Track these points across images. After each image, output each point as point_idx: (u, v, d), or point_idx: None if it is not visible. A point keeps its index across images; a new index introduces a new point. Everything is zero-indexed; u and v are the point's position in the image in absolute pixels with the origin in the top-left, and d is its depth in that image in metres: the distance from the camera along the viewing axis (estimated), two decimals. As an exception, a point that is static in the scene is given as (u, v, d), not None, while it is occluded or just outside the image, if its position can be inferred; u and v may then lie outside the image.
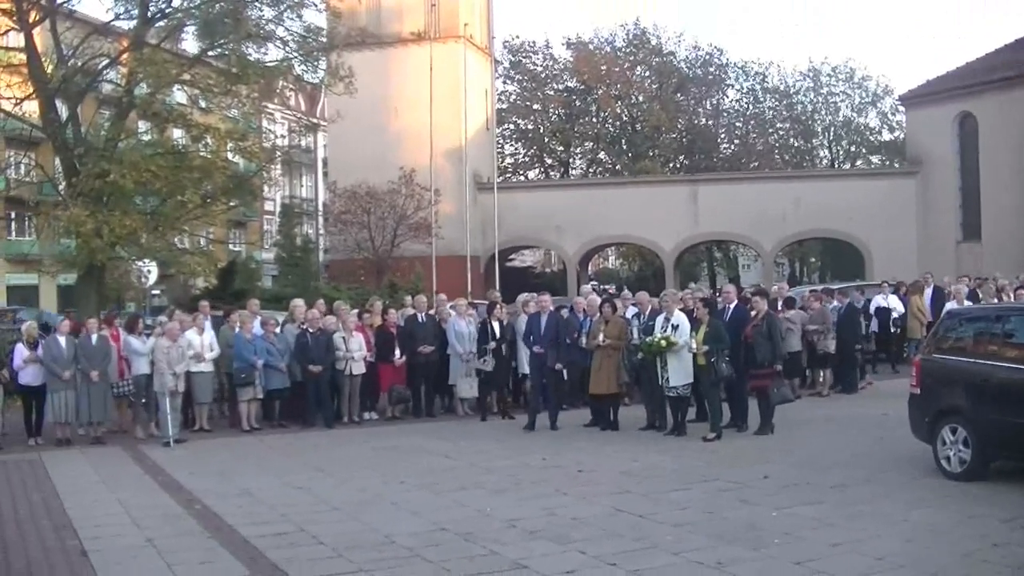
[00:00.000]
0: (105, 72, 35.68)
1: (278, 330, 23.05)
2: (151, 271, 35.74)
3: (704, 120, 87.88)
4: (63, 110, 34.36)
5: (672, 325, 19.03)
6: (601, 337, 20.83)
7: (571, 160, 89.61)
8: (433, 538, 11.93)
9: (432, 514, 13.17)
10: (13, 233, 59.59)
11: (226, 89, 34.22)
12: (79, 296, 35.39)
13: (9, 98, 35.81)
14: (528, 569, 10.48)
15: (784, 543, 11.16)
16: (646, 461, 16.69)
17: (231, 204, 42.28)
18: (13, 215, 55.51)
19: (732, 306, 20.62)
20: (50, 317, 41.24)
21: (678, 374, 18.93)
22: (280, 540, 12.08)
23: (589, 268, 75.57)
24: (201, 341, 21.89)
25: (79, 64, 34.09)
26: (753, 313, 19.68)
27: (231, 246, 63.45)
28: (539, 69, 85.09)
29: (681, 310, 19.72)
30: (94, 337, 21.34)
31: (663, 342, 18.75)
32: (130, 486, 15.95)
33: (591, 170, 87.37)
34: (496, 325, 22.77)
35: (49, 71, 33.29)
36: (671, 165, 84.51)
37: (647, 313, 20.78)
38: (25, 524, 13.57)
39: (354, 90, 36.84)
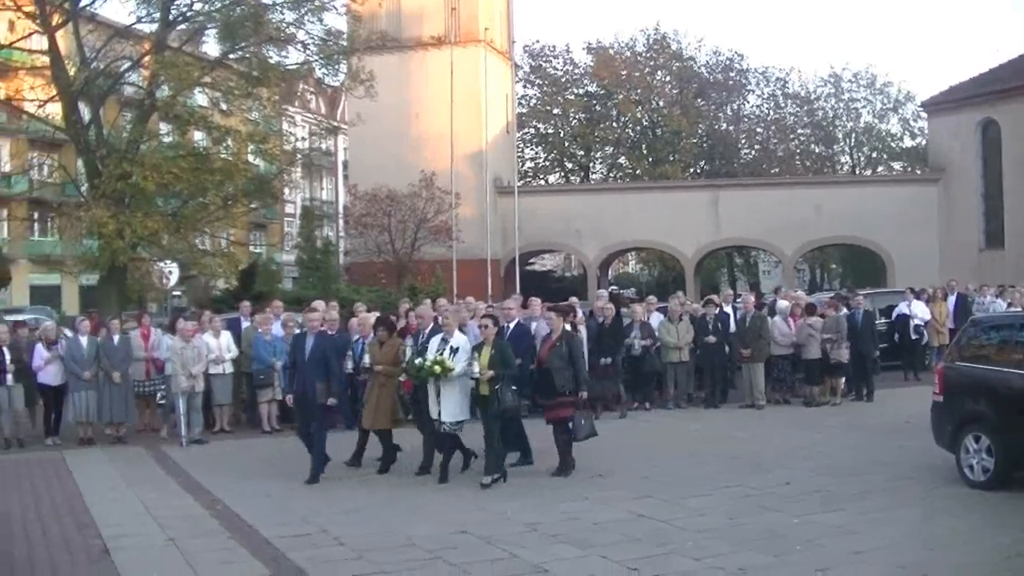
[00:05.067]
0: (127, 74, 35.82)
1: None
2: (172, 272, 35.80)
3: (725, 125, 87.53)
4: (86, 112, 34.51)
5: (451, 348, 15.86)
6: (366, 360, 17.68)
7: (591, 164, 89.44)
8: (453, 540, 11.95)
9: (452, 516, 13.20)
10: (36, 234, 59.95)
11: (247, 92, 34.31)
12: (101, 296, 35.51)
13: (33, 100, 36.06)
14: (549, 573, 10.50)
15: (806, 550, 11.14)
16: (666, 466, 16.66)
17: (252, 206, 42.39)
18: (36, 216, 55.76)
19: (513, 324, 19.03)
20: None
21: (451, 407, 15.79)
22: (301, 541, 12.12)
23: (609, 272, 75.41)
24: (219, 343, 21.95)
25: (101, 67, 34.22)
26: (549, 332, 17.42)
27: (252, 248, 63.64)
28: (559, 73, 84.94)
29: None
30: (116, 337, 21.45)
31: (436, 367, 15.56)
32: (152, 486, 16.01)
33: (611, 175, 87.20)
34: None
35: (72, 73, 33.38)
36: (691, 170, 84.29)
37: (426, 332, 17.37)
38: (48, 522, 13.64)
39: (374, 94, 36.89)
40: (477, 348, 15.95)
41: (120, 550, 11.85)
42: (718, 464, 16.77)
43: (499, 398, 15.52)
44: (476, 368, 15.56)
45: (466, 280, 55.16)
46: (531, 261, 73.03)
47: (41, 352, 21.08)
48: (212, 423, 22.13)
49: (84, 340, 21.26)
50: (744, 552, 11.09)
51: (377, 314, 22.16)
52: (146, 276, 36.42)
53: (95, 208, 31.14)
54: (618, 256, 77.00)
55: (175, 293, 46.21)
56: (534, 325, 22.12)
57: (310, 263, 62.72)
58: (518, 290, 48.71)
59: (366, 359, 17.60)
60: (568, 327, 20.80)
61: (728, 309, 25.92)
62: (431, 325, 17.62)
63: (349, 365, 17.83)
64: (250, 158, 36.06)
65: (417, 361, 16.00)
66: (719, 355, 24.72)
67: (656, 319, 25.09)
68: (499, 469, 15.76)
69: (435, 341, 16.15)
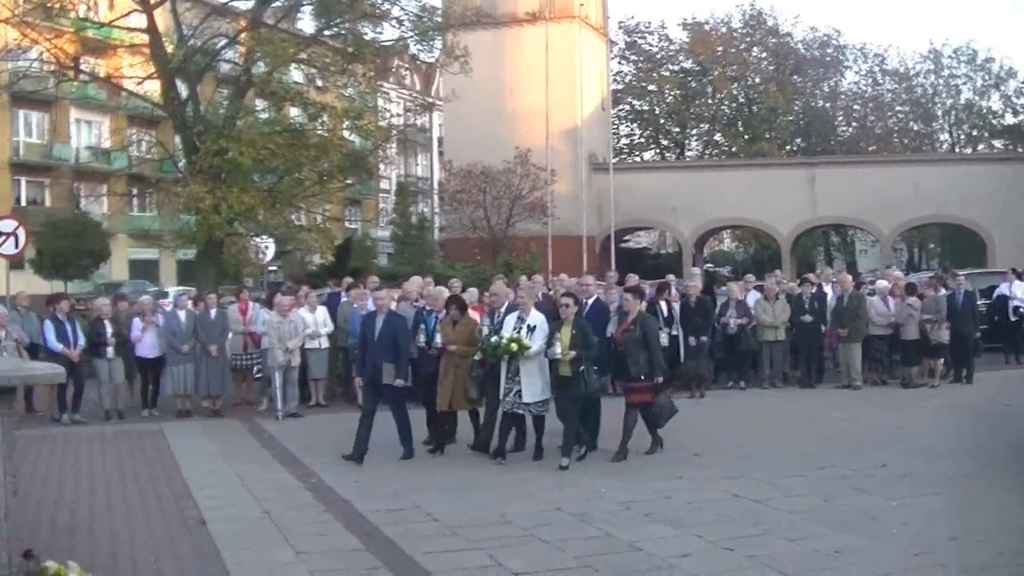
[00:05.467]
0: (224, 52, 36.25)
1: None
2: (268, 247, 36.18)
3: (821, 102, 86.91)
4: (183, 89, 34.93)
5: (528, 327, 15.31)
6: (438, 339, 16.60)
7: (687, 141, 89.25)
8: (547, 518, 11.91)
9: (545, 494, 13.16)
10: (135, 209, 60.91)
11: (342, 68, 34.56)
12: (198, 271, 36.00)
13: (132, 78, 36.58)
14: (643, 552, 10.41)
15: (902, 533, 10.94)
16: (761, 446, 16.51)
17: (347, 182, 42.66)
18: (135, 191, 56.60)
19: (591, 301, 17.87)
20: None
21: (533, 387, 15.21)
22: (394, 516, 12.14)
23: (705, 250, 75.12)
24: (315, 318, 22.11)
25: (198, 44, 34.63)
26: (625, 313, 16.39)
27: (347, 223, 64.16)
28: (655, 50, 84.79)
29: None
30: (212, 312, 21.71)
31: (513, 344, 15.00)
32: (247, 458, 16.18)
33: (707, 152, 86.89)
34: (665, 306, 22.57)
35: (170, 51, 33.82)
36: (788, 148, 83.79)
37: (502, 310, 16.69)
38: (146, 493, 13.81)
39: (469, 70, 36.97)
40: (556, 328, 15.20)
41: (216, 521, 11.95)
42: (813, 444, 16.57)
43: (585, 381, 14.94)
44: (558, 349, 14.79)
45: (561, 257, 55.26)
46: (626, 238, 73.03)
47: (138, 324, 21.38)
48: (308, 397, 22.29)
49: (182, 314, 21.58)
50: (839, 534, 10.91)
51: (451, 289, 21.31)
52: (242, 251, 36.79)
53: (192, 183, 31.53)
54: (713, 234, 76.81)
55: (271, 268, 46.63)
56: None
57: (405, 239, 63.15)
58: (613, 267, 48.66)
59: (438, 338, 16.64)
60: (664, 305, 20.81)
61: (828, 288, 25.59)
62: (507, 303, 16.90)
63: (421, 339, 17.23)
64: (345, 134, 36.26)
65: (493, 339, 15.36)
66: (815, 334, 24.47)
67: (752, 297, 24.90)
68: (583, 441, 15.55)
69: (511, 319, 15.65)
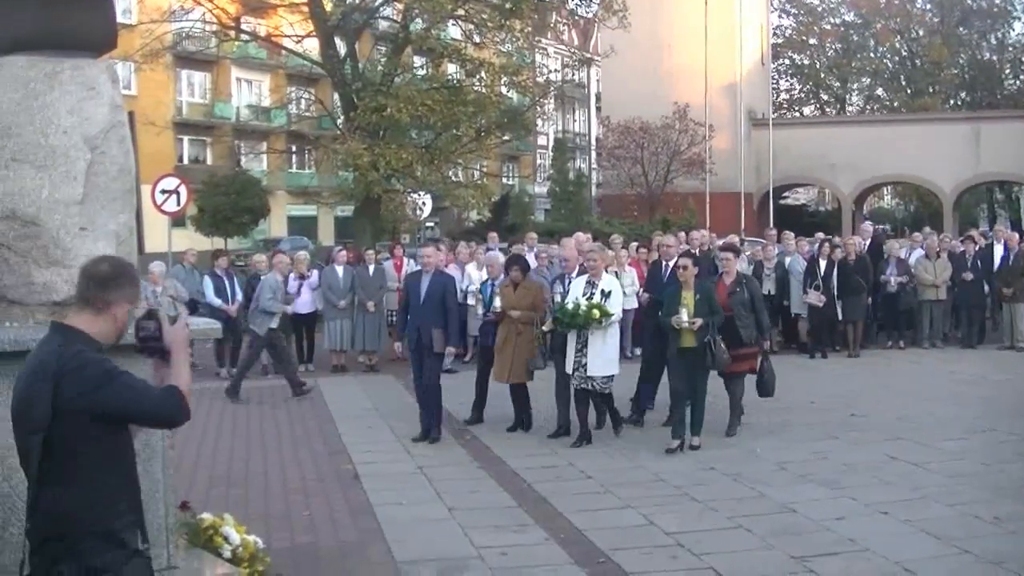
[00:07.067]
0: (381, 8, 36.41)
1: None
2: (426, 203, 36.40)
3: (988, 55, 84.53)
4: (341, 47, 35.17)
5: (602, 292, 13.59)
6: (497, 303, 15.12)
7: (847, 96, 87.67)
8: (701, 477, 11.85)
9: (702, 453, 13.08)
10: (294, 166, 61.81)
11: (500, 24, 34.42)
12: (355, 227, 36.38)
13: (291, 36, 36.98)
14: (796, 513, 10.29)
15: (1067, 500, 10.64)
16: (919, 408, 16.16)
17: (504, 138, 42.74)
18: (294, 149, 57.41)
19: (672, 263, 15.82)
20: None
21: (602, 361, 13.65)
22: (548, 473, 12.20)
23: (864, 207, 73.82)
24: (469, 275, 22.10)
25: (356, 1, 34.82)
26: (723, 274, 14.90)
27: (504, 179, 64.28)
28: (815, 2, 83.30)
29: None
30: (371, 268, 21.89)
31: (595, 311, 13.33)
32: (402, 414, 16.16)
33: (868, 107, 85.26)
34: (823, 263, 22.30)
35: (328, 9, 34.07)
36: (952, 102, 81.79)
37: (573, 273, 14.77)
38: (301, 447, 14.04)
39: (628, 24, 36.63)
40: (675, 292, 13.56)
41: (370, 476, 12.10)
42: (974, 407, 16.18)
43: (712, 352, 13.25)
44: (684, 316, 13.10)
45: (719, 213, 54.74)
46: (784, 195, 72.03)
47: (293, 280, 21.65)
48: (463, 353, 22.35)
49: (340, 270, 21.77)
50: (1000, 500, 10.60)
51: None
52: (400, 207, 37.09)
53: (350, 141, 31.79)
54: (873, 191, 75.33)
55: (428, 224, 46.94)
56: (788, 260, 22.09)
57: (562, 195, 63.19)
58: (771, 223, 48.06)
59: (496, 303, 15.21)
60: (824, 263, 20.49)
61: (1000, 248, 24.82)
62: (578, 266, 14.91)
63: (480, 310, 16.92)
64: (503, 90, 36.25)
65: (570, 306, 13.58)
66: (977, 294, 23.84)
67: (913, 255, 24.37)
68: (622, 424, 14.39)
69: (578, 284, 13.97)
